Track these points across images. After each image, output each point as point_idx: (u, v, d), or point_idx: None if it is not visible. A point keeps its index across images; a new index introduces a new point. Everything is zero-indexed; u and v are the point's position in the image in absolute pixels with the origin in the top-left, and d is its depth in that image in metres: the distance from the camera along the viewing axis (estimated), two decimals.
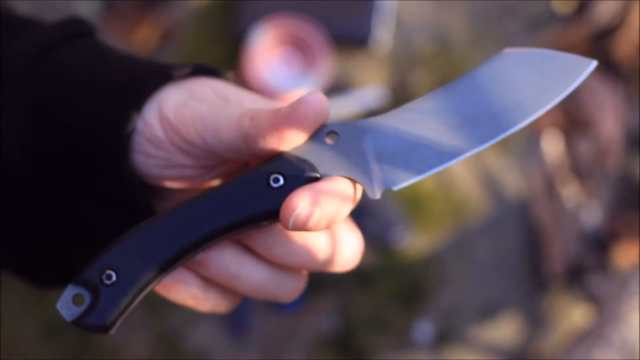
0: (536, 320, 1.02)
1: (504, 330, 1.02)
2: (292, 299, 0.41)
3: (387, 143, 0.38)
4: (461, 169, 1.05)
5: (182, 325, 1.03)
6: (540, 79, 0.38)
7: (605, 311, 0.91)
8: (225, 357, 1.02)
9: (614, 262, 1.02)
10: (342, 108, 1.05)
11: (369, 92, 1.06)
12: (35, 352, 1.03)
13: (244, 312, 1.01)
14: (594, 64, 0.38)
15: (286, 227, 0.36)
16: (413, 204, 1.04)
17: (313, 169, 0.38)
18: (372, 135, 0.38)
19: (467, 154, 0.38)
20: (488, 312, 1.02)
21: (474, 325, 1.02)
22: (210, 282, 0.40)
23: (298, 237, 0.39)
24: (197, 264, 0.39)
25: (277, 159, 0.38)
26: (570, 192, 1.04)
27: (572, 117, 1.05)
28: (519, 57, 0.38)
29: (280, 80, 1.07)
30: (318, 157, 0.38)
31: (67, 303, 0.37)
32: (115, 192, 0.40)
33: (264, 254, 0.40)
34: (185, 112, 0.39)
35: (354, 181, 0.38)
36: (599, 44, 1.06)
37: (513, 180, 1.06)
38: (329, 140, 0.38)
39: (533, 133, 1.06)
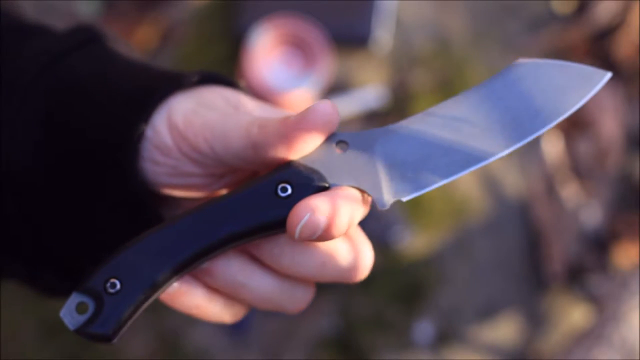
0: (536, 320, 1.02)
1: (504, 330, 1.02)
2: (300, 309, 0.41)
3: (398, 153, 0.38)
4: None
5: (182, 325, 1.03)
6: (555, 90, 0.37)
7: (605, 311, 0.91)
8: (225, 357, 1.02)
9: (614, 262, 1.02)
10: (342, 108, 1.05)
11: (369, 92, 1.06)
12: (35, 352, 1.03)
13: None
14: (608, 75, 0.38)
15: (293, 237, 0.36)
16: (413, 204, 1.04)
17: (322, 178, 0.37)
18: (382, 145, 0.38)
19: (479, 165, 0.37)
20: (488, 312, 1.02)
21: (474, 325, 1.02)
22: (216, 291, 0.40)
23: (306, 247, 0.38)
24: (204, 273, 0.39)
25: (286, 168, 0.37)
26: (570, 192, 1.04)
27: (572, 117, 1.05)
28: (533, 67, 0.38)
29: (280, 80, 1.07)
30: (327, 167, 0.37)
31: (71, 311, 0.36)
32: (124, 199, 0.39)
33: (272, 264, 0.39)
34: (195, 120, 0.38)
35: (363, 191, 0.37)
36: (599, 44, 1.06)
37: (513, 180, 1.06)
38: (338, 150, 0.38)
39: None
